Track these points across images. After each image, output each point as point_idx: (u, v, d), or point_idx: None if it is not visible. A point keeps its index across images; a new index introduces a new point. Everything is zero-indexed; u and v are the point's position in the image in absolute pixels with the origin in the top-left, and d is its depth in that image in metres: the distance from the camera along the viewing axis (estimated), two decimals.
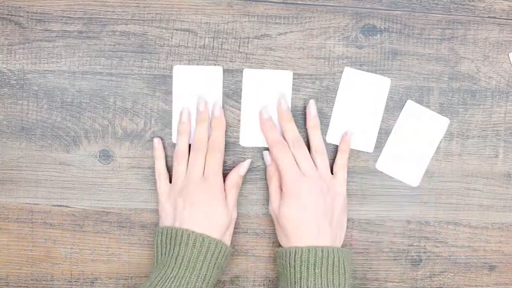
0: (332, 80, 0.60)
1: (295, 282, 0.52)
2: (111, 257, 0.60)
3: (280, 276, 0.55)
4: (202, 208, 0.54)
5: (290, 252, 0.53)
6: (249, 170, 0.60)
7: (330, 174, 0.58)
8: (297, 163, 0.56)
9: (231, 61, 0.59)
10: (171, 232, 0.53)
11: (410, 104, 0.59)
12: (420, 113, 0.59)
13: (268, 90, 0.59)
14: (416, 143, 0.59)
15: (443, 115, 0.60)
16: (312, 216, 0.54)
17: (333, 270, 0.52)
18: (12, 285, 0.60)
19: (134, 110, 0.59)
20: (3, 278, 0.60)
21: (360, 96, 0.59)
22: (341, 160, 0.58)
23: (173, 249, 0.53)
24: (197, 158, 0.56)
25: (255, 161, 0.60)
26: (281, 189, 0.56)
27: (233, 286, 0.61)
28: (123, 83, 0.59)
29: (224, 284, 0.60)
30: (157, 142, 0.58)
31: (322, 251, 0.52)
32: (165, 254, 0.53)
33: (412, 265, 0.61)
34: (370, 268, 0.61)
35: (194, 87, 0.59)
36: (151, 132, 0.59)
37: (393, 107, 0.60)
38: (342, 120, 0.59)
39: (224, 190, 0.56)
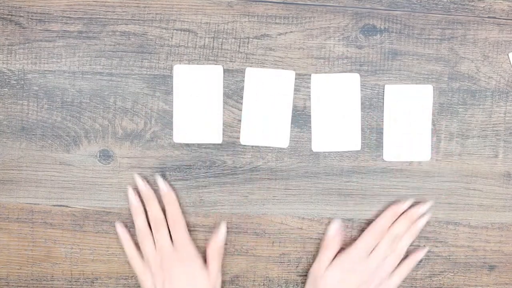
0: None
1: None
2: (111, 257, 0.60)
3: None
4: (181, 281, 0.54)
5: None
6: (250, 170, 0.60)
7: (389, 274, 0.58)
8: (374, 249, 0.57)
9: (231, 61, 0.59)
10: None
11: (388, 88, 0.58)
12: (402, 92, 0.59)
13: (270, 90, 0.59)
14: (413, 120, 0.59)
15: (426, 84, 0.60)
16: None
17: None
18: (12, 285, 0.60)
19: (134, 110, 0.59)
20: (4, 278, 0.60)
21: (334, 98, 0.59)
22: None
23: None
24: (162, 235, 0.56)
25: (255, 161, 0.60)
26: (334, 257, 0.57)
27: (233, 286, 0.61)
28: (123, 83, 0.59)
29: (224, 284, 0.60)
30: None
31: None
32: None
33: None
34: None
35: (195, 86, 0.59)
36: (151, 132, 0.59)
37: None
38: (323, 125, 0.59)
39: (206, 259, 0.57)
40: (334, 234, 0.58)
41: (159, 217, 0.56)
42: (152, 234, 0.57)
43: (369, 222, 0.61)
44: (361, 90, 0.60)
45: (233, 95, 0.59)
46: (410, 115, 0.59)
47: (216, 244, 0.57)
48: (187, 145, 0.59)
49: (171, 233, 0.57)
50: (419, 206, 0.59)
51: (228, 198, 0.60)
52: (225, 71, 0.59)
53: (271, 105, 0.59)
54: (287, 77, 0.59)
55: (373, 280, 0.56)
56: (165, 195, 0.57)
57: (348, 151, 0.60)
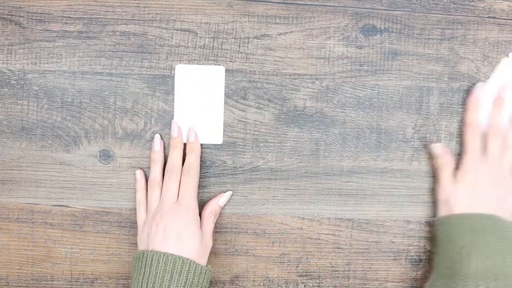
0: (332, 80, 0.59)
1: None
2: (111, 257, 0.60)
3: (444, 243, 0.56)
4: (173, 233, 0.52)
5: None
6: (250, 170, 0.59)
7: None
8: (486, 149, 0.58)
9: (231, 61, 0.59)
10: (139, 255, 0.53)
11: (179, 68, 0.57)
12: (193, 72, 0.58)
13: (201, 86, 0.58)
14: (204, 101, 0.58)
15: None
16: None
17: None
18: (12, 285, 0.60)
19: (134, 110, 0.59)
20: (4, 278, 0.60)
21: (197, 90, 0.58)
22: None
23: (142, 273, 0.51)
24: (171, 183, 0.55)
25: (254, 161, 0.60)
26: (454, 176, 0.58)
27: (233, 286, 0.60)
28: (123, 83, 0.59)
29: (224, 284, 0.60)
30: (139, 174, 0.58)
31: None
32: (135, 278, 0.52)
33: (412, 265, 0.61)
34: (370, 268, 0.61)
35: (196, 86, 0.58)
36: (151, 132, 0.59)
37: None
38: (186, 117, 0.58)
39: (201, 217, 0.56)
40: (444, 152, 0.58)
41: (176, 163, 0.56)
42: (163, 184, 0.56)
43: (369, 222, 0.60)
44: (361, 89, 0.60)
45: (233, 95, 0.59)
46: (203, 97, 0.58)
47: (216, 204, 0.57)
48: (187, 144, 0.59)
49: (181, 181, 0.55)
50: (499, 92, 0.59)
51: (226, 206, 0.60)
52: (225, 71, 0.59)
53: (204, 101, 0.58)
54: (217, 72, 0.58)
55: (503, 177, 0.57)
56: (190, 144, 0.57)
57: (212, 144, 0.59)
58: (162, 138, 0.58)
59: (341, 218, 0.60)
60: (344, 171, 0.60)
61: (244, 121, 0.59)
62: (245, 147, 0.59)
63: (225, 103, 0.59)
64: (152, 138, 0.59)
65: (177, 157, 0.56)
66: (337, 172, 0.60)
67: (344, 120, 0.60)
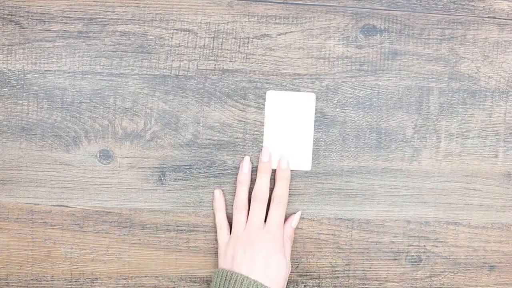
0: (332, 80, 0.59)
1: None
2: (111, 257, 0.59)
3: None
4: (262, 259, 0.53)
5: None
6: (250, 170, 0.59)
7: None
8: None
9: (231, 61, 0.59)
10: (227, 275, 0.53)
11: (270, 94, 0.58)
12: (283, 98, 0.58)
13: (291, 112, 0.58)
14: (294, 127, 0.58)
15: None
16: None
17: None
18: (13, 285, 0.60)
19: (134, 110, 0.58)
20: (4, 278, 0.59)
21: (287, 116, 0.58)
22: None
23: None
24: (260, 209, 0.55)
25: (254, 161, 0.59)
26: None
27: None
28: (123, 83, 0.58)
29: None
30: (218, 193, 0.58)
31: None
32: None
33: (412, 265, 0.61)
34: (370, 268, 0.61)
35: (286, 112, 0.58)
36: (151, 132, 0.59)
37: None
38: (273, 142, 0.59)
39: None
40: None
41: (265, 189, 0.56)
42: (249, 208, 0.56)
43: (369, 222, 0.60)
44: (361, 89, 0.59)
45: (233, 95, 0.59)
46: (292, 123, 0.58)
47: (289, 230, 0.57)
48: (187, 145, 0.58)
49: (271, 209, 0.56)
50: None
51: (228, 198, 0.59)
52: (224, 71, 0.59)
53: (293, 127, 0.58)
54: (308, 99, 0.58)
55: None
56: (281, 171, 0.57)
57: (300, 170, 0.59)
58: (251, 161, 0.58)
59: (341, 218, 0.60)
60: (344, 171, 0.59)
61: (244, 121, 0.59)
62: (245, 147, 0.59)
63: (225, 103, 0.58)
64: (152, 138, 0.58)
65: (265, 182, 0.56)
66: (337, 172, 0.59)
67: (344, 120, 0.59)
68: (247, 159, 0.57)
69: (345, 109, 0.59)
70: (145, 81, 0.58)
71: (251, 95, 0.58)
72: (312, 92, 0.59)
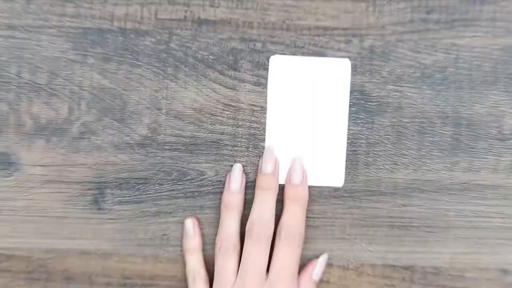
0: (380, 38, 0.39)
1: None
2: None
3: None
4: None
5: None
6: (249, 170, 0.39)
7: None
8: None
9: (211, 6, 0.38)
10: None
11: (275, 59, 0.40)
12: (297, 67, 0.39)
13: (311, 91, 0.39)
14: (314, 116, 0.39)
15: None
16: None
17: None
18: None
19: (52, 87, 0.38)
20: None
21: (304, 97, 0.39)
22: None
23: None
24: (258, 249, 0.37)
25: (251, 171, 0.40)
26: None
27: None
28: (33, 41, 0.38)
29: None
30: (190, 224, 0.39)
31: None
32: None
33: None
34: None
35: (302, 90, 0.39)
36: (81, 124, 0.39)
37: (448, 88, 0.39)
38: (282, 141, 0.39)
39: None
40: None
41: (267, 218, 0.38)
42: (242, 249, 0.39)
43: (439, 272, 0.40)
44: (428, 53, 0.39)
45: (215, 63, 0.39)
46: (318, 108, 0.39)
47: (310, 284, 0.39)
48: (140, 145, 0.40)
49: (277, 249, 0.38)
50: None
51: (208, 231, 0.40)
52: (201, 22, 0.38)
53: (313, 117, 0.39)
54: (340, 69, 0.39)
55: None
56: (294, 188, 0.40)
57: (328, 186, 0.39)
58: (244, 172, 0.39)
59: (393, 266, 0.40)
60: (399, 189, 0.40)
61: (234, 106, 0.39)
62: (236, 148, 0.39)
63: (203, 76, 0.40)
64: (83, 133, 0.39)
65: (269, 208, 0.38)
66: (388, 190, 0.40)
67: (400, 104, 0.39)
68: (238, 168, 0.39)
69: (401, 86, 0.39)
70: (69, 39, 0.38)
71: (245, 63, 0.39)
72: (347, 57, 0.39)
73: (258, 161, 0.39)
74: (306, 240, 0.39)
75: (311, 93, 0.39)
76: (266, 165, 0.38)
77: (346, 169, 0.39)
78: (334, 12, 0.38)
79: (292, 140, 0.39)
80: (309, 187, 0.39)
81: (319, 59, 0.38)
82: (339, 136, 0.39)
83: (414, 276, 0.39)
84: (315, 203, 0.39)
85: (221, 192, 0.38)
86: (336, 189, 0.39)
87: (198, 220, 0.39)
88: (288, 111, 0.39)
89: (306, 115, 0.39)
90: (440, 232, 0.39)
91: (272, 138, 0.39)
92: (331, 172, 0.39)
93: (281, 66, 0.38)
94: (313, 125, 0.39)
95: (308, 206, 0.39)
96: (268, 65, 0.38)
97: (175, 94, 0.38)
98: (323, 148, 0.39)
